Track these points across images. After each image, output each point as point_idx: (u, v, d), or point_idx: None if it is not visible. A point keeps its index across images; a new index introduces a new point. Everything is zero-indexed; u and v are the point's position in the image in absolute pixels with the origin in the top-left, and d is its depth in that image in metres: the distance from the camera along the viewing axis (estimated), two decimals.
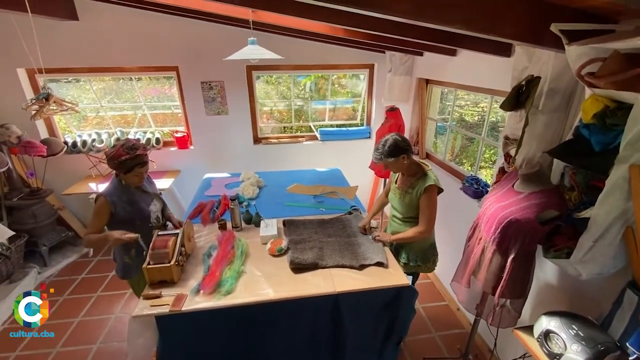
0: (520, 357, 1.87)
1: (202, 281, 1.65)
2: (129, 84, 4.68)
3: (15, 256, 2.87)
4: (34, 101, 2.48)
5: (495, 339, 1.96)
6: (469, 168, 3.80)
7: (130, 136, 3.59)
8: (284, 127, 5.27)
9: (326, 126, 4.12)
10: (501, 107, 1.64)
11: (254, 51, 1.90)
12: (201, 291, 1.61)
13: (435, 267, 2.08)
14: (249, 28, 2.98)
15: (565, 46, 1.12)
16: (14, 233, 2.20)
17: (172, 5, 2.43)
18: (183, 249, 1.79)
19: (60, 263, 3.26)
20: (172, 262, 1.65)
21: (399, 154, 1.75)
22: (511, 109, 1.64)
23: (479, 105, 5.22)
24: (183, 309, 1.52)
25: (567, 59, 1.40)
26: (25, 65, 3.07)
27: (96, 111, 3.97)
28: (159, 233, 1.81)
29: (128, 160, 1.70)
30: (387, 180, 3.34)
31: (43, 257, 3.16)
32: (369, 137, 3.99)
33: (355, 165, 3.77)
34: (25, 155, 2.92)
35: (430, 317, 2.60)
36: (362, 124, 4.15)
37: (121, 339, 2.44)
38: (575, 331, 1.33)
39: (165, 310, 1.51)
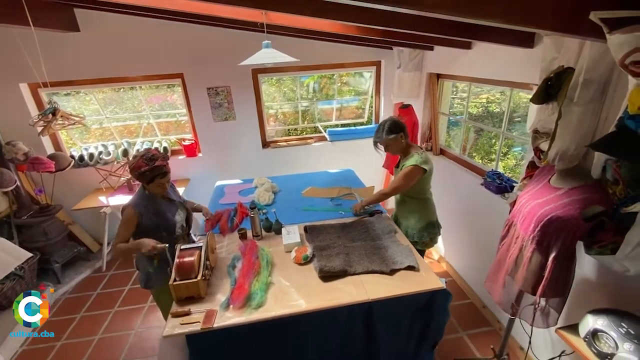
0: (557, 356, 1.83)
1: (231, 295, 1.60)
2: (129, 94, 4.62)
3: (29, 275, 2.82)
4: (41, 117, 2.42)
5: (530, 338, 1.92)
6: (480, 161, 3.75)
7: (137, 147, 3.53)
8: (288, 129, 5.22)
9: (333, 126, 4.06)
10: (531, 100, 1.59)
11: (268, 55, 1.84)
12: (231, 306, 1.56)
13: (433, 245, 2.25)
14: (257, 31, 2.93)
15: (607, 35, 1.06)
16: (31, 255, 2.15)
17: (177, 11, 2.36)
18: (208, 262, 1.74)
19: (74, 279, 3.21)
20: (198, 277, 1.60)
21: (398, 131, 1.98)
22: (541, 102, 1.59)
23: (480, 97, 5.17)
24: (215, 325, 1.47)
25: (602, 48, 1.36)
26: (27, 80, 3.01)
27: (99, 123, 3.90)
28: (182, 247, 1.76)
29: (147, 171, 1.67)
30: None
31: (56, 274, 3.11)
32: None
33: (366, 165, 3.71)
34: (33, 172, 2.86)
35: (455, 316, 2.55)
36: (370, 122, 4.10)
37: (143, 355, 2.39)
38: (625, 329, 1.29)
39: (196, 328, 1.46)
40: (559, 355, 1.82)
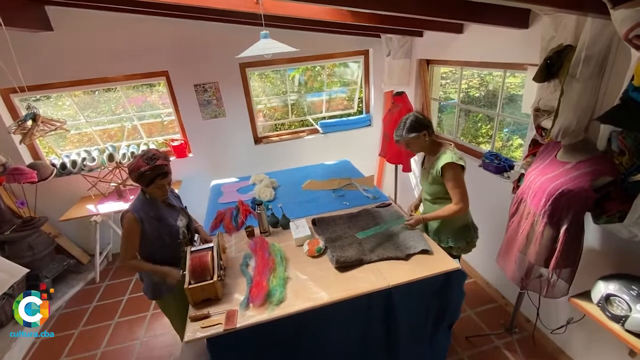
0: (564, 325, 1.92)
1: (250, 293, 1.57)
2: (105, 96, 4.38)
3: (18, 293, 2.64)
4: (20, 123, 2.26)
5: (538, 310, 2.00)
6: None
7: (123, 150, 3.37)
8: (276, 124, 5.14)
9: (321, 119, 4.03)
10: (534, 79, 1.63)
11: (268, 45, 1.78)
12: (251, 304, 1.53)
13: (473, 249, 1.98)
14: (246, 23, 2.85)
15: (610, 10, 1.09)
16: (28, 270, 2.02)
17: (162, 3, 2.25)
18: (221, 262, 1.69)
19: (67, 294, 3.06)
20: (214, 278, 1.55)
21: (420, 129, 1.75)
22: (543, 80, 1.63)
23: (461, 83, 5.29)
24: (238, 325, 1.43)
25: (601, 24, 1.40)
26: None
27: (76, 128, 3.68)
28: (192, 249, 1.70)
29: (148, 171, 1.59)
30: (401, 166, 3.32)
31: (47, 290, 2.94)
32: (370, 125, 3.94)
33: (360, 154, 3.73)
34: (13, 183, 2.67)
35: None
36: (360, 113, 4.10)
37: None
38: (636, 291, 1.35)
39: (219, 330, 1.42)
40: (567, 324, 1.90)
